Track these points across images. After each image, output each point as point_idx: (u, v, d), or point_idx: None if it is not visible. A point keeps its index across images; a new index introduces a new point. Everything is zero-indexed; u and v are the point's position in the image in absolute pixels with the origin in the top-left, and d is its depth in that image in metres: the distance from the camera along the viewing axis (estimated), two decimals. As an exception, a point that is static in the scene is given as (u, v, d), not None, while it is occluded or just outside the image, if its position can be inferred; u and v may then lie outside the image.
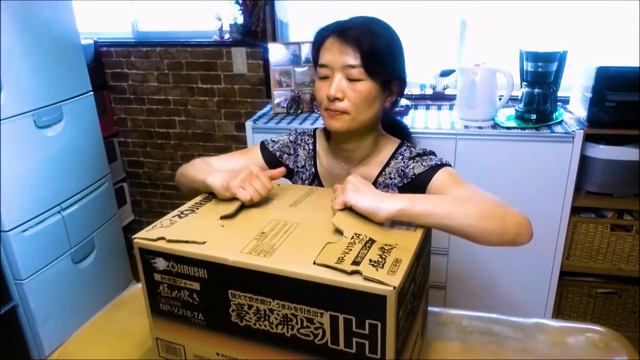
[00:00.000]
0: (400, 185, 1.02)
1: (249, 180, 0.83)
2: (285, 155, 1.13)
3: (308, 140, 1.14)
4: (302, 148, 1.14)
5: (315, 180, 1.12)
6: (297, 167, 1.13)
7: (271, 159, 1.12)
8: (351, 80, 0.96)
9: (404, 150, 1.06)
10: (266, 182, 0.84)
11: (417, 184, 0.98)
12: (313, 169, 1.12)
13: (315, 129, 1.16)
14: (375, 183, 1.05)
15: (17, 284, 1.83)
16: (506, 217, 0.78)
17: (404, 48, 1.03)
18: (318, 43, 1.00)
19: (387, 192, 1.00)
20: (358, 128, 1.00)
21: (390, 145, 1.08)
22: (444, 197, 0.87)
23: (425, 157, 1.01)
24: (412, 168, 1.00)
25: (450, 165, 0.99)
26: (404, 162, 1.03)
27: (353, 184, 0.78)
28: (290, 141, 1.14)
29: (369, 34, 0.95)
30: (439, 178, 0.95)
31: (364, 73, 0.95)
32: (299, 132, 1.16)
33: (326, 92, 0.97)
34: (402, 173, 1.02)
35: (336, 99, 0.96)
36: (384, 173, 1.05)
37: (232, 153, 1.13)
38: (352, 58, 0.94)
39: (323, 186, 1.10)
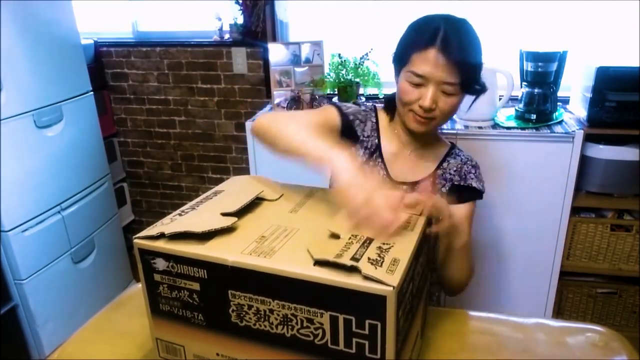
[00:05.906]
0: (455, 183, 1.11)
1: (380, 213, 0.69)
2: (357, 122, 1.13)
3: (371, 112, 1.17)
4: (369, 119, 1.15)
5: (377, 151, 1.13)
6: (363, 136, 1.14)
7: (344, 123, 1.11)
8: (444, 92, 0.99)
9: (458, 152, 1.15)
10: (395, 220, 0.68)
11: (462, 190, 1.09)
12: (376, 141, 1.14)
13: (374, 105, 1.19)
14: (433, 174, 1.12)
15: (17, 284, 1.83)
16: None
17: None
18: (415, 48, 0.99)
19: (445, 184, 1.12)
20: (434, 129, 1.09)
21: (444, 144, 1.17)
22: None
23: (479, 174, 1.12)
24: (472, 179, 1.11)
25: (482, 197, 1.12)
26: (466, 167, 1.12)
27: None
28: (361, 110, 1.15)
29: (470, 50, 0.98)
30: (466, 209, 1.07)
31: (458, 89, 0.99)
32: (362, 103, 1.18)
33: (416, 98, 1.01)
34: (464, 176, 1.11)
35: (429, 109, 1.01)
36: (442, 167, 1.13)
37: (307, 112, 1.11)
38: (452, 76, 0.97)
39: (384, 161, 1.13)
